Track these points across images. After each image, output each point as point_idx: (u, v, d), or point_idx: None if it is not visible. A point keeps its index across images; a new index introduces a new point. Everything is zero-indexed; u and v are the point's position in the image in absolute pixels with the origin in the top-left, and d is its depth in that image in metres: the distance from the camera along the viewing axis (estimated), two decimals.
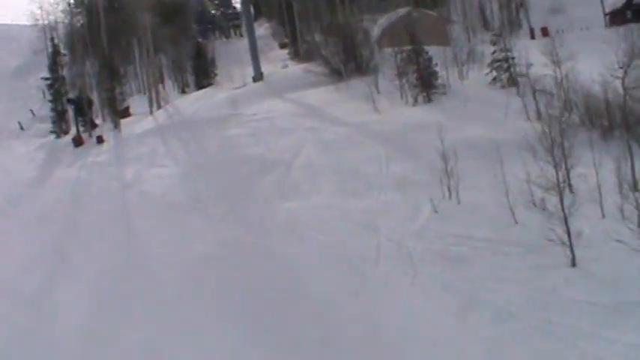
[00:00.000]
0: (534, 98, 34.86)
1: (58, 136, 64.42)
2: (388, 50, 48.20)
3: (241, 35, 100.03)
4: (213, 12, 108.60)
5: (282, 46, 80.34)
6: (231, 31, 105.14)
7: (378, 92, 43.07)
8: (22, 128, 74.55)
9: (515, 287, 20.38)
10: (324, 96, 46.06)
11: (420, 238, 24.48)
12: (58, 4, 65.96)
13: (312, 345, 19.64)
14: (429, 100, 40.66)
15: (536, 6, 71.27)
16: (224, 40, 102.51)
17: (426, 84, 40.88)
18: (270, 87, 53.57)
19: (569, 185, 24.34)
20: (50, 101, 67.64)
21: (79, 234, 33.84)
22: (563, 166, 22.89)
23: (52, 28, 72.11)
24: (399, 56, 43.53)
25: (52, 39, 69.92)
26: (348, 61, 50.52)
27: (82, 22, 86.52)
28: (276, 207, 30.49)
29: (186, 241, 29.31)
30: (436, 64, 42.11)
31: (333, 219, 27.66)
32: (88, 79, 70.36)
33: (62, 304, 26.20)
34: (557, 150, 22.68)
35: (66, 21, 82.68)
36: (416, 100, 40.82)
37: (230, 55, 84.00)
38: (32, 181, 48.03)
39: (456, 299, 20.59)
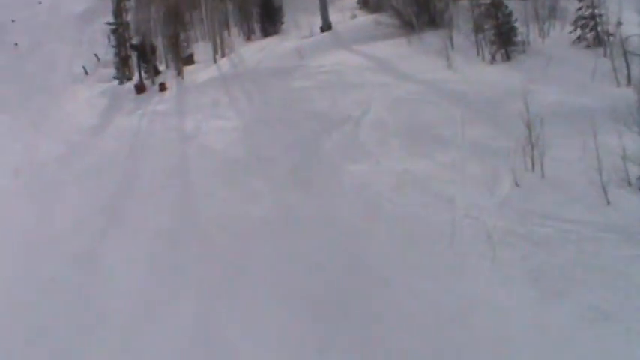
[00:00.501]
0: (625, 61, 31.68)
1: (121, 82, 62.97)
2: (463, 3, 44.94)
3: None
4: None
5: None
6: None
7: (453, 48, 40.04)
8: (86, 73, 73.35)
9: (610, 281, 17.89)
10: (395, 49, 43.14)
11: (499, 215, 21.99)
12: None
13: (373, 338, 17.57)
14: (507, 58, 37.52)
15: None
16: None
17: (504, 41, 37.74)
18: (338, 38, 50.78)
19: None
20: (113, 46, 65.95)
21: (135, 190, 32.37)
22: None
23: None
24: (475, 10, 40.31)
25: None
26: (421, 13, 47.41)
27: None
28: (343, 169, 28.22)
29: (246, 203, 27.43)
30: (516, 19, 38.84)
31: (404, 187, 25.29)
32: (152, 25, 68.46)
33: (113, 268, 24.66)
34: None
35: None
36: (494, 58, 37.72)
37: (297, 1, 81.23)
38: (92, 128, 46.94)
39: (539, 291, 18.23)
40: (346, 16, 60.72)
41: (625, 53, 31.95)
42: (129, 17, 66.58)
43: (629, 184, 21.67)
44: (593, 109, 27.93)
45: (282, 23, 70.39)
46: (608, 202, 21.23)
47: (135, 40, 62.95)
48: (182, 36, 61.18)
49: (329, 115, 34.68)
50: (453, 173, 25.47)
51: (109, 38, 69.59)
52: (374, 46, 44.81)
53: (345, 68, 41.49)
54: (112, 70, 65.94)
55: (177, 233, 26.29)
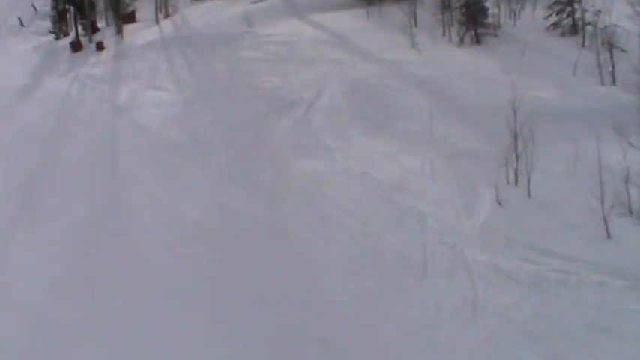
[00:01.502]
0: (610, 57, 27.74)
1: (58, 38, 57.13)
2: None
3: None
4: None
5: None
6: None
7: (416, 25, 35.65)
8: (22, 24, 67.20)
9: (616, 345, 13.93)
10: (353, 22, 38.63)
11: (480, 243, 17.80)
12: None
13: None
14: (477, 41, 33.23)
15: None
16: None
17: (474, 22, 33.43)
18: (291, 4, 45.72)
19: None
20: None
21: (55, 170, 27.47)
22: None
23: None
24: None
25: None
26: None
27: None
28: (293, 165, 23.89)
29: (180, 200, 22.83)
30: None
31: (365, 196, 20.98)
32: None
33: (18, 272, 19.98)
34: None
35: None
36: (462, 40, 33.36)
37: None
38: (20, 90, 41.46)
39: (534, 354, 14.10)
40: None
41: (611, 48, 27.98)
42: None
43: (631, 211, 17.76)
44: (580, 111, 24.21)
45: None
46: (609, 236, 17.28)
47: None
48: None
49: (278, 95, 30.19)
50: (423, 182, 21.25)
51: None
52: (330, 17, 40.17)
53: (297, 40, 36.87)
54: (49, 23, 60.12)
55: (93, 233, 21.59)
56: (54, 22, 58.81)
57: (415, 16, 36.02)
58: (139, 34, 49.21)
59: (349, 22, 38.46)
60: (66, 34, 55.82)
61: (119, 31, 50.60)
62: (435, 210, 19.47)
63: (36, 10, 69.19)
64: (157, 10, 52.88)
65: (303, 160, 23.91)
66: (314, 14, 41.10)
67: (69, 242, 21.39)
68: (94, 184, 25.47)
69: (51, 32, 58.25)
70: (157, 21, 51.48)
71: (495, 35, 33.38)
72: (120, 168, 26.62)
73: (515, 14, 36.00)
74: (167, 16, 53.53)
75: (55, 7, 58.78)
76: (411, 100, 26.85)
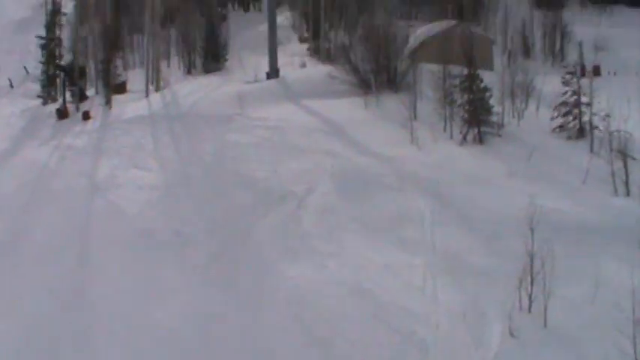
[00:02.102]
0: (624, 166, 25.56)
1: (45, 102, 54.96)
2: (430, 67, 38.06)
3: (259, 10, 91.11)
4: None
5: (303, 40, 70.27)
6: (250, 4, 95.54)
7: (416, 117, 33.39)
8: (11, 86, 65.12)
9: None
10: (350, 111, 36.31)
11: None
12: None
13: None
14: (480, 140, 30.93)
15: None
16: (242, 12, 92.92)
17: (477, 120, 31.23)
18: (285, 88, 43.60)
19: None
20: (42, 62, 57.75)
21: (18, 253, 24.73)
22: None
23: None
24: (447, 80, 33.59)
25: None
26: (380, 72, 40.89)
27: None
28: (279, 271, 21.13)
29: (152, 302, 20.11)
30: (490, 95, 32.31)
31: (359, 312, 18.31)
32: (88, 44, 60.59)
33: None
34: None
35: None
36: (464, 138, 31.10)
37: (245, 30, 74.25)
38: None
39: None
40: (295, 63, 53.90)
41: (624, 156, 25.81)
42: (63, 33, 58.48)
43: None
44: (596, 225, 21.87)
45: (225, 60, 63.34)
46: None
47: (63, 61, 54.73)
48: (117, 61, 53.39)
49: (267, 186, 27.70)
50: (424, 301, 18.59)
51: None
52: (326, 104, 37.91)
53: (289, 126, 34.57)
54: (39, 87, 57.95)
55: (49, 335, 18.77)
56: (43, 87, 56.59)
57: (415, 109, 33.76)
58: (127, 106, 47.04)
59: (346, 110, 36.23)
60: (54, 100, 53.64)
61: (107, 102, 48.39)
62: (439, 338, 16.78)
63: (27, 72, 67.18)
64: (148, 83, 50.59)
65: (290, 266, 21.27)
66: (309, 100, 38.90)
67: (21, 348, 18.57)
68: (59, 273, 22.81)
69: (39, 96, 55.99)
70: (147, 94, 49.21)
71: (499, 135, 31.12)
72: (89, 256, 23.89)
73: (519, 113, 33.90)
74: (158, 89, 51.32)
75: (45, 71, 56.54)
76: (411, 203, 24.38)
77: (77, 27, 59.05)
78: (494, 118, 31.61)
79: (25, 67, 68.22)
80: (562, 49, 59.20)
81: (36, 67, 61.40)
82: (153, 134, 37.71)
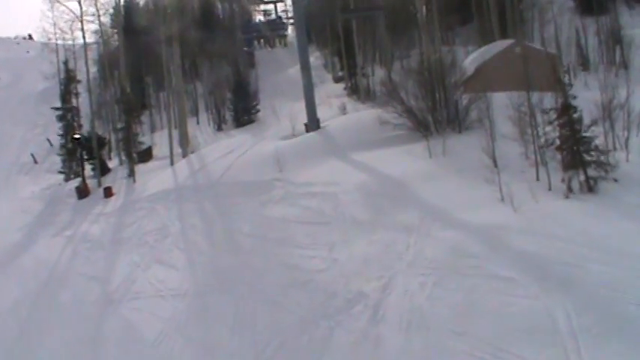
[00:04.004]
0: None
1: (67, 178, 48.09)
2: (499, 96, 29.68)
3: (285, 45, 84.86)
4: (258, 20, 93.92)
5: (337, 80, 62.72)
6: (277, 40, 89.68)
7: (496, 165, 25.13)
8: (35, 161, 58.57)
9: None
10: (411, 163, 28.02)
11: None
12: (74, 21, 47.11)
13: None
14: (589, 188, 22.58)
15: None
16: (268, 49, 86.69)
17: (582, 161, 22.90)
18: (329, 140, 35.23)
19: None
20: (60, 135, 50.94)
21: None
22: None
23: (66, 49, 54.86)
24: (542, 115, 24.94)
25: (65, 62, 52.78)
26: (436, 110, 32.81)
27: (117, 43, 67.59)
28: None
29: None
30: (588, 126, 23.94)
31: None
32: (106, 112, 53.82)
33: None
34: None
35: (99, 41, 64.84)
36: (570, 189, 22.74)
37: (275, 73, 67.17)
38: (5, 254, 32.23)
39: None
40: (334, 106, 46.05)
41: None
42: (79, 102, 51.61)
43: None
44: None
45: (257, 111, 55.96)
46: None
47: (79, 133, 47.63)
48: (137, 128, 46.10)
49: (326, 284, 19.78)
50: None
51: None
52: (379, 156, 29.82)
53: (342, 190, 26.58)
54: None
55: None
56: (63, 161, 49.82)
57: (493, 153, 25.55)
58: (152, 177, 39.56)
59: (406, 162, 28.07)
60: (77, 174, 46.87)
61: (131, 173, 41.05)
62: None
63: (51, 144, 60.84)
64: (172, 151, 42.94)
65: None
66: (359, 153, 30.84)
67: None
68: None
69: (60, 172, 49.20)
70: (172, 162, 41.68)
71: (615, 179, 22.71)
72: None
73: (622, 144, 25.64)
74: (186, 154, 43.74)
75: (63, 145, 49.73)
76: (532, 301, 16.15)
77: (96, 94, 52.46)
78: (601, 157, 23.16)
79: (48, 140, 62.06)
80: (623, 56, 50.66)
81: (61, 139, 55.21)
82: (179, 214, 30.26)
